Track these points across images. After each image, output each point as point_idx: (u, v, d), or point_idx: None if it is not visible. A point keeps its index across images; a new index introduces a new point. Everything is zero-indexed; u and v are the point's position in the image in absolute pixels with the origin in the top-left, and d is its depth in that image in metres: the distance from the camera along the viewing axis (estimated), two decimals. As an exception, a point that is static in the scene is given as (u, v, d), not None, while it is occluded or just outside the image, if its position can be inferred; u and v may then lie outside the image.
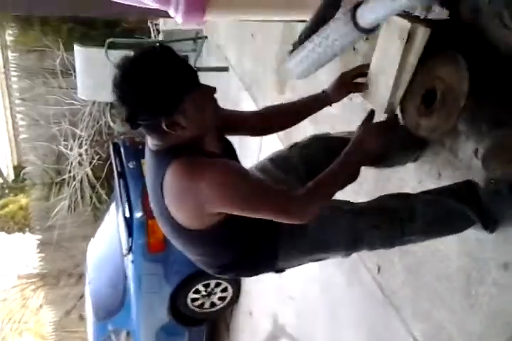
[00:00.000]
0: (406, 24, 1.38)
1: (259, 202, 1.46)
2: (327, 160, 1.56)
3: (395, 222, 1.69)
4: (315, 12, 1.53)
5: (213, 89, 1.49)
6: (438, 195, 1.80)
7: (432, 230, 1.76)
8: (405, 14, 1.42)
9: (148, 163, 1.57)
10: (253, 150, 3.74)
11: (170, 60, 1.40)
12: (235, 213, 1.46)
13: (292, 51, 1.58)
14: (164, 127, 1.40)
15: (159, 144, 1.49)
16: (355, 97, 2.16)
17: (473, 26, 1.35)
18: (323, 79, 2.78)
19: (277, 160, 1.88)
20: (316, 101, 1.79)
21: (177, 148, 1.46)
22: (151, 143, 1.53)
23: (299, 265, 1.78)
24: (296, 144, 1.91)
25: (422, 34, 1.37)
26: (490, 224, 1.76)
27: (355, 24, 1.34)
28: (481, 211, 1.75)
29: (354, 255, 2.64)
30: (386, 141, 1.60)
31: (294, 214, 1.47)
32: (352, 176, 1.59)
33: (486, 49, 1.35)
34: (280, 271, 1.78)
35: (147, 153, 1.58)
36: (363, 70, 1.69)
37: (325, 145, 1.82)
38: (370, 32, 1.38)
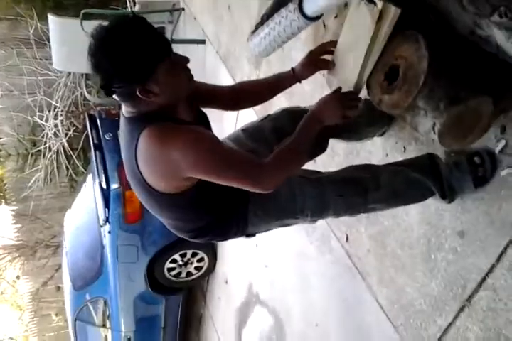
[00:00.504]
0: (377, 3, 1.41)
1: (226, 169, 1.50)
2: None
3: (359, 191, 1.78)
4: None
5: (186, 59, 1.53)
6: (401, 166, 1.89)
7: (394, 199, 1.86)
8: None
9: (122, 130, 1.61)
10: (230, 123, 3.79)
11: (143, 29, 1.43)
12: (203, 179, 1.51)
13: (254, 31, 1.63)
14: (138, 94, 1.44)
15: (133, 111, 1.54)
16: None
17: (436, 7, 1.40)
18: (298, 56, 2.84)
19: (249, 131, 1.95)
20: (286, 78, 1.85)
21: (150, 115, 1.51)
22: (125, 110, 1.57)
23: (268, 230, 1.86)
24: (268, 116, 1.98)
25: (392, 13, 1.40)
26: (448, 195, 1.86)
27: (302, 12, 1.41)
28: (441, 182, 1.85)
29: (324, 224, 2.77)
30: (346, 110, 1.64)
31: (259, 183, 1.53)
32: (317, 143, 1.63)
33: (447, 30, 1.41)
34: (250, 235, 1.85)
35: (122, 121, 1.62)
36: (329, 48, 1.73)
37: (294, 117, 1.85)
38: (315, 20, 1.45)
